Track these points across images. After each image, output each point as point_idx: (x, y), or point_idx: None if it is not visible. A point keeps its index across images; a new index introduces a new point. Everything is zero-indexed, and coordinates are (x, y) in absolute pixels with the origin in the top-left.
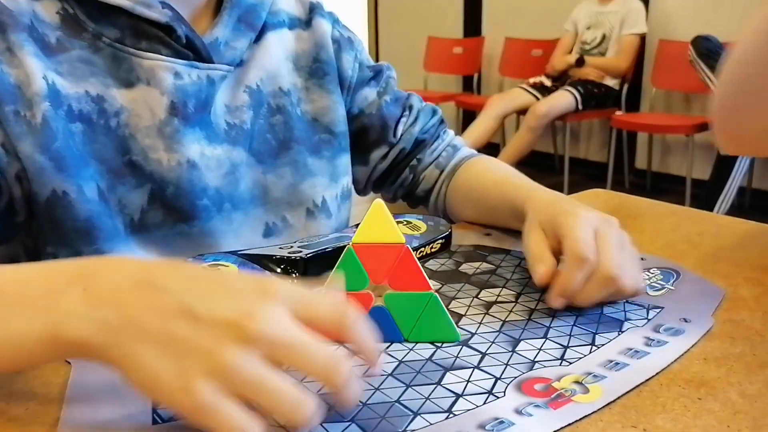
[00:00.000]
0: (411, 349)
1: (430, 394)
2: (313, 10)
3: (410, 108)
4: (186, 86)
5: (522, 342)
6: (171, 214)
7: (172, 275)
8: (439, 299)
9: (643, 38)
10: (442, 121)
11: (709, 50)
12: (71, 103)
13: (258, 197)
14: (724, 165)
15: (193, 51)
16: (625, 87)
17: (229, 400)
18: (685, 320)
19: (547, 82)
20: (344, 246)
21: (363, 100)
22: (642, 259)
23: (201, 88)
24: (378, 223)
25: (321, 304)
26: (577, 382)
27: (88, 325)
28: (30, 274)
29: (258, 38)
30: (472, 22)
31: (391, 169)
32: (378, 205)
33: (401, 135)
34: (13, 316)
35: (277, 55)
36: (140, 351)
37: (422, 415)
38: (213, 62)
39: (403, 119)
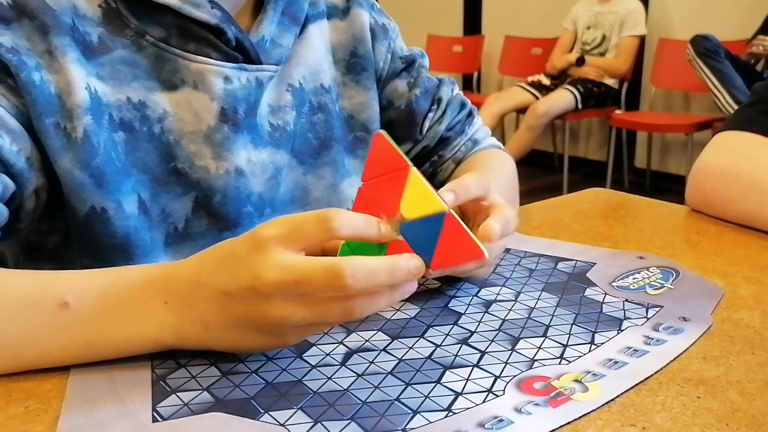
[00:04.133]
0: (410, 348)
1: (429, 393)
2: None
3: (439, 101)
4: (236, 91)
5: (521, 340)
6: (216, 223)
7: (206, 267)
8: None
9: (642, 39)
10: (470, 114)
11: (708, 49)
12: (112, 112)
13: (299, 199)
14: None
15: (242, 53)
16: (625, 86)
17: (305, 327)
18: (685, 319)
19: (546, 81)
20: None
21: (393, 91)
22: (641, 258)
23: (250, 92)
24: (383, 155)
25: (304, 224)
26: (576, 380)
27: (180, 331)
28: (104, 288)
29: (300, 32)
30: (472, 21)
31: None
32: (378, 135)
33: (426, 131)
34: (104, 327)
35: (319, 49)
36: (227, 337)
37: (422, 413)
38: (261, 63)
39: (431, 114)
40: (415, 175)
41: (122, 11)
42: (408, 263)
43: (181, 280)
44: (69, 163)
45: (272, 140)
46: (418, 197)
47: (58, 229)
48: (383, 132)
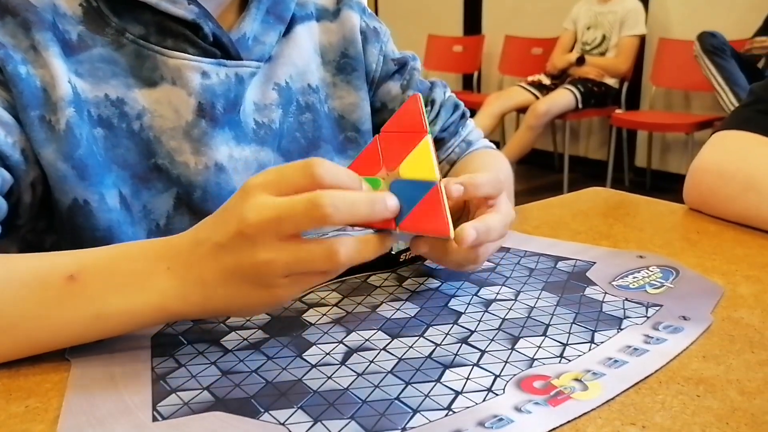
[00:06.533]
0: (410, 347)
1: (429, 392)
2: (341, 0)
3: (432, 103)
4: (214, 86)
5: (521, 339)
6: (198, 219)
7: (203, 225)
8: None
9: (642, 38)
10: (463, 116)
11: (714, 47)
12: (90, 108)
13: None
14: None
15: (221, 48)
16: (625, 85)
17: (293, 277)
18: (684, 318)
19: (546, 81)
20: None
21: (386, 94)
22: (641, 257)
23: (229, 88)
24: (409, 115)
25: (288, 170)
26: (576, 379)
27: (183, 295)
28: (108, 261)
29: (287, 32)
30: (472, 21)
31: None
32: (414, 97)
33: None
34: (110, 297)
35: (307, 50)
36: (224, 295)
37: (421, 412)
38: (241, 59)
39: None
40: (427, 142)
41: (103, 10)
42: (385, 198)
43: (182, 243)
44: (52, 155)
45: (257, 138)
46: (420, 162)
47: (56, 228)
48: (420, 96)
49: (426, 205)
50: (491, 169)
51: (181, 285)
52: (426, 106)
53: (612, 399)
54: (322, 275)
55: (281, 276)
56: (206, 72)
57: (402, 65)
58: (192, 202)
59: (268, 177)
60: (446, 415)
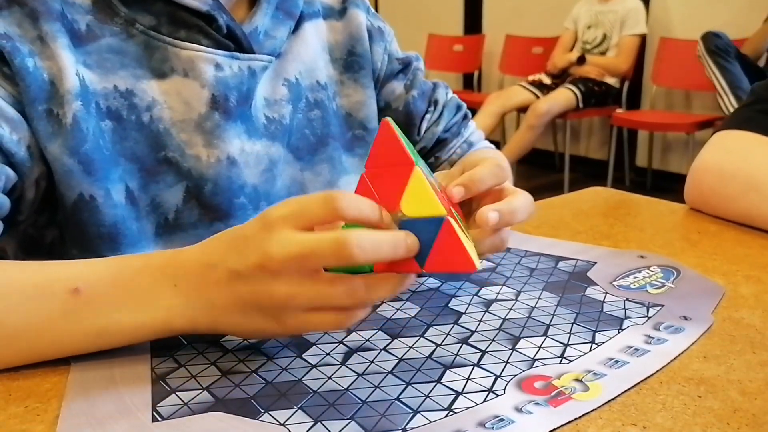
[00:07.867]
0: (411, 347)
1: (429, 392)
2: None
3: (435, 103)
4: (227, 78)
5: (522, 340)
6: (207, 213)
7: (216, 249)
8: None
9: (643, 38)
10: (465, 117)
11: (718, 48)
12: (99, 100)
13: (295, 194)
14: None
15: (234, 41)
16: (626, 85)
17: (308, 311)
18: (685, 318)
19: (546, 80)
20: None
21: (390, 93)
22: (642, 256)
23: (242, 81)
24: (387, 146)
25: (309, 204)
26: (577, 380)
27: (190, 315)
28: (113, 274)
29: (295, 29)
30: (473, 20)
31: None
32: (385, 124)
33: (424, 133)
34: (115, 312)
35: (315, 47)
36: (233, 321)
37: (422, 413)
38: (254, 52)
39: (428, 116)
40: (419, 174)
41: None
42: (406, 239)
43: (191, 263)
44: (58, 150)
45: (267, 132)
46: (420, 197)
47: (57, 223)
48: (390, 121)
49: (443, 241)
50: (488, 160)
51: (189, 305)
52: (430, 106)
53: (613, 399)
54: (340, 311)
55: (299, 310)
56: (219, 64)
57: (406, 65)
58: (202, 196)
59: (289, 209)
60: (447, 416)
